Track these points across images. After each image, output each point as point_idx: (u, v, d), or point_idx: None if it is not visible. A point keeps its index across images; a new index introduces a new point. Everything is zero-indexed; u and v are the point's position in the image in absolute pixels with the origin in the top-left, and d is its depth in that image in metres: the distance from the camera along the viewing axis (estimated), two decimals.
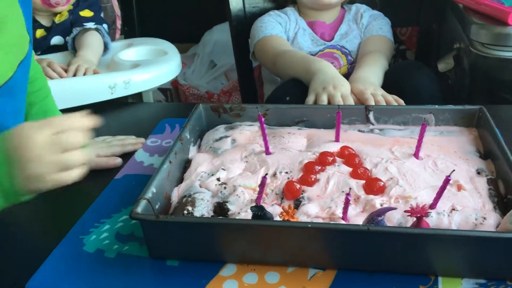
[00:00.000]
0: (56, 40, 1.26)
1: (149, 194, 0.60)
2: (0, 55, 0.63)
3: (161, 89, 2.04)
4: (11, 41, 0.66)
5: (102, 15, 1.31)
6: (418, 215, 0.55)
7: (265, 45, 1.18)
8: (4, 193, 0.52)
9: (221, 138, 0.79)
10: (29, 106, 0.81)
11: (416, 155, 0.70)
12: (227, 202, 0.64)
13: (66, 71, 1.08)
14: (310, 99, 0.92)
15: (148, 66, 1.13)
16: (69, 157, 0.53)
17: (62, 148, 0.52)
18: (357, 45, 1.20)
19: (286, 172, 0.69)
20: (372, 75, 1.02)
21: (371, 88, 0.94)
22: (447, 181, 0.58)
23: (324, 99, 0.90)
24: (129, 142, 0.89)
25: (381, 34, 1.18)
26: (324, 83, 0.94)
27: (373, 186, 0.64)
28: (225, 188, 0.67)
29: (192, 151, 0.78)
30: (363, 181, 0.65)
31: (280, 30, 1.20)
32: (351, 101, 0.90)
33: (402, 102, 0.90)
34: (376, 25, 1.20)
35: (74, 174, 0.54)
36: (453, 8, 1.16)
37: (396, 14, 1.27)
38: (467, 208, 0.60)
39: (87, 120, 0.55)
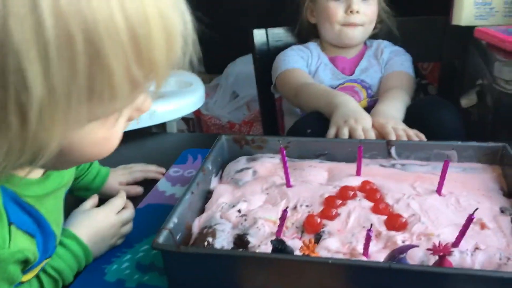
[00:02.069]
0: None
1: (170, 225, 0.61)
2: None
3: (184, 119, 2.08)
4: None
5: None
6: (441, 253, 0.54)
7: (287, 77, 1.20)
8: (79, 264, 0.64)
9: (242, 170, 0.79)
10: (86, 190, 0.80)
11: (438, 191, 0.70)
12: (247, 234, 0.64)
13: None
14: (331, 132, 0.93)
15: (173, 97, 1.15)
16: (125, 229, 0.72)
17: (122, 223, 0.71)
18: (378, 79, 1.21)
19: (307, 206, 0.69)
20: (393, 109, 1.02)
21: (392, 122, 0.94)
22: (470, 219, 0.57)
23: (345, 133, 0.90)
24: (151, 169, 0.90)
25: (402, 70, 1.19)
26: (345, 116, 0.94)
27: (395, 222, 0.63)
28: (245, 220, 0.67)
29: (214, 182, 0.79)
30: (385, 217, 0.65)
31: (302, 64, 1.22)
32: (372, 135, 0.90)
33: (423, 136, 0.90)
34: (398, 61, 1.21)
35: (122, 240, 0.72)
36: (476, 45, 1.16)
37: (418, 49, 1.27)
38: (491, 247, 0.59)
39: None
